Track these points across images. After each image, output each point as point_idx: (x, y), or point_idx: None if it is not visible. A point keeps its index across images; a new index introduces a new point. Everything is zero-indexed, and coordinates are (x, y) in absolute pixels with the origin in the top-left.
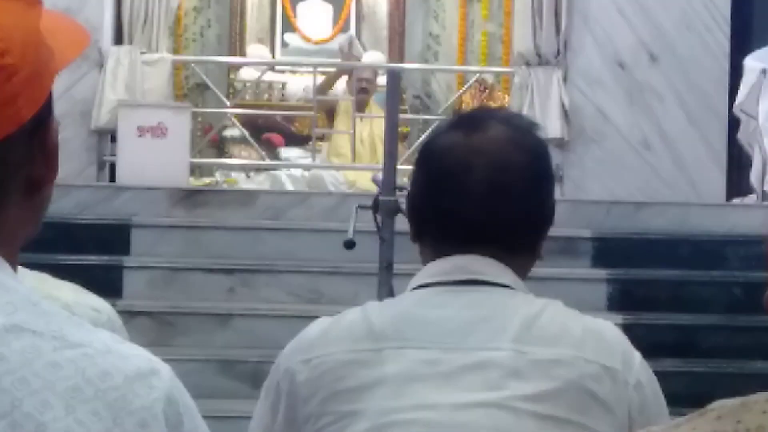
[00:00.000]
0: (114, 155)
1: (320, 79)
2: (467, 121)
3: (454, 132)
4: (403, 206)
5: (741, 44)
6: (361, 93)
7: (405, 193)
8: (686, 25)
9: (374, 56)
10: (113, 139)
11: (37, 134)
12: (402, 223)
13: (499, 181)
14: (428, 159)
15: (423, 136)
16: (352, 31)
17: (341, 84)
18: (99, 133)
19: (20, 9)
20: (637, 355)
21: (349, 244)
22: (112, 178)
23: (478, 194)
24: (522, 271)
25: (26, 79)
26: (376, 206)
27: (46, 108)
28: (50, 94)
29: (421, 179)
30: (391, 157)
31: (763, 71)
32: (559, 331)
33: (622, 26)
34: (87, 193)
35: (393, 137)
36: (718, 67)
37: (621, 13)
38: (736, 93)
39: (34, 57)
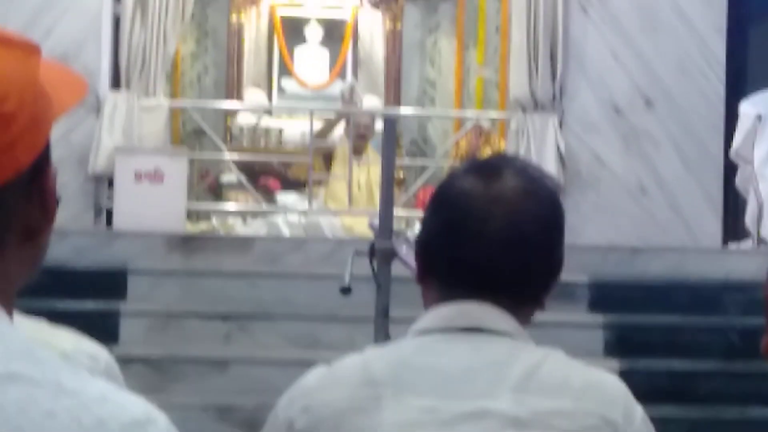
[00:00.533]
0: (111, 201)
1: (317, 124)
2: (485, 168)
3: (472, 178)
4: (401, 251)
5: (736, 89)
6: (359, 139)
7: (401, 239)
8: (681, 70)
9: (371, 101)
10: (110, 184)
11: (35, 182)
12: (399, 268)
13: (514, 232)
14: (445, 203)
15: (420, 181)
16: (349, 76)
17: (338, 129)
18: (96, 179)
19: (19, 57)
20: (638, 409)
21: (346, 291)
22: (109, 224)
23: (493, 243)
24: (525, 320)
25: (24, 127)
26: (372, 252)
27: (44, 156)
28: (48, 142)
29: (436, 222)
30: (387, 203)
31: (759, 116)
32: (560, 381)
33: (618, 71)
34: (83, 239)
35: (389, 183)
36: (714, 112)
37: (616, 58)
38: (732, 138)
39: (32, 105)
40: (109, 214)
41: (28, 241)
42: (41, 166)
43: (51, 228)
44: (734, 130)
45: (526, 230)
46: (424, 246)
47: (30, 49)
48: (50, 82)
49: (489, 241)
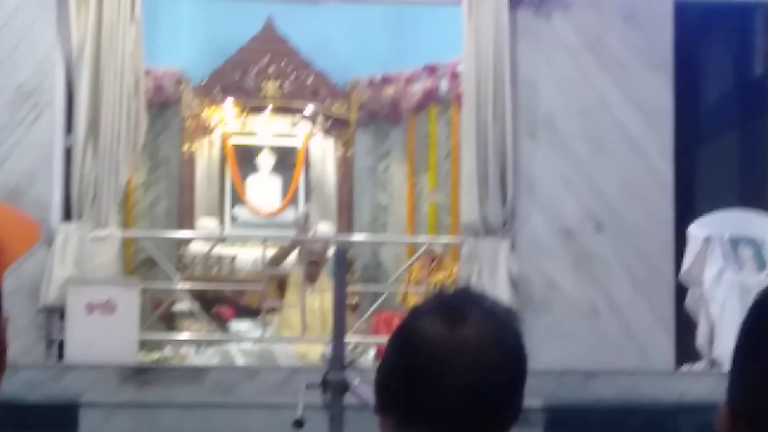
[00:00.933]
0: (62, 333)
1: (270, 251)
2: (450, 310)
3: (437, 321)
4: (354, 383)
5: (685, 211)
6: (312, 266)
7: (355, 370)
8: (630, 192)
9: (323, 227)
10: (62, 316)
11: None
12: (351, 399)
13: (476, 384)
14: (407, 345)
15: (374, 307)
16: (302, 202)
17: (292, 256)
18: (47, 311)
19: None
20: None
21: (299, 424)
22: (61, 356)
23: (453, 393)
24: None
25: None
26: (325, 384)
27: None
28: (0, 290)
29: (397, 364)
30: (339, 334)
31: (707, 239)
32: None
33: (568, 195)
34: (34, 373)
35: (341, 314)
36: (663, 234)
37: (566, 183)
38: (682, 260)
39: None
40: (61, 346)
41: None
42: None
43: (3, 374)
44: (684, 252)
45: (488, 382)
46: (384, 383)
47: None
48: (3, 228)
49: (449, 390)
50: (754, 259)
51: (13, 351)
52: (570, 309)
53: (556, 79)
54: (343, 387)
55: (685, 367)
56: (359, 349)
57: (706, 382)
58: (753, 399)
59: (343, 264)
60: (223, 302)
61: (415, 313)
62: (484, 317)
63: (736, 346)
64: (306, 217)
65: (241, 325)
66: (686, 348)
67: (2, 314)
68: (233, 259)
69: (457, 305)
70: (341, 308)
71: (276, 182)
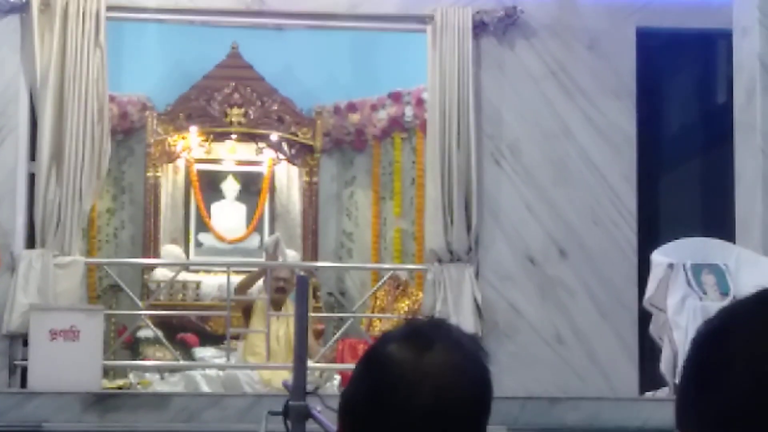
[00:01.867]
0: (25, 359)
1: (234, 278)
2: (418, 338)
3: (405, 346)
4: (316, 410)
5: (648, 239)
6: (278, 292)
7: (317, 397)
8: (594, 220)
9: (288, 254)
10: (25, 343)
11: None
12: (312, 425)
13: (440, 409)
14: (373, 369)
15: (339, 333)
16: (267, 229)
17: (258, 283)
18: (10, 337)
19: None
20: None
21: None
22: (24, 383)
23: (417, 417)
24: None
25: None
26: (286, 412)
27: None
28: None
29: (363, 387)
30: (300, 361)
31: (670, 265)
32: None
33: (532, 222)
34: None
35: (303, 342)
36: (627, 262)
37: (530, 210)
38: (645, 286)
39: None
40: (24, 373)
41: None
42: None
43: None
44: (647, 279)
45: (453, 408)
46: (348, 407)
47: None
48: None
49: (413, 415)
50: (717, 286)
51: None
52: (534, 335)
53: (520, 106)
54: (304, 414)
55: (649, 394)
56: (324, 375)
57: (670, 409)
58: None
59: (305, 292)
60: (188, 329)
61: (383, 339)
62: (451, 346)
63: (687, 374)
64: (276, 244)
65: (205, 352)
66: (650, 375)
67: None
68: (198, 285)
69: (425, 333)
70: (302, 335)
71: (241, 209)
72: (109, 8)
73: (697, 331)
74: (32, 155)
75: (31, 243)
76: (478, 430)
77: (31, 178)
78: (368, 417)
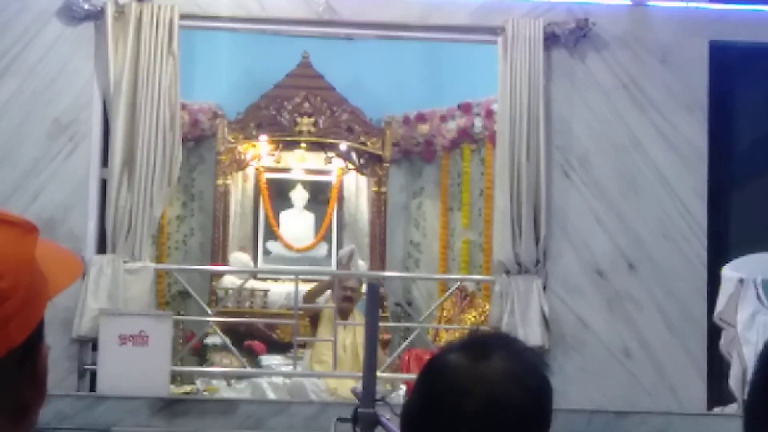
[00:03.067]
0: (95, 364)
1: (302, 286)
2: (477, 346)
3: (462, 354)
4: (384, 418)
5: (718, 253)
6: (346, 301)
7: (385, 405)
8: (663, 234)
9: (361, 265)
10: (94, 347)
11: (28, 359)
12: None
13: (493, 414)
14: (429, 376)
15: (405, 343)
16: (335, 238)
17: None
18: (80, 342)
19: (16, 236)
20: None
21: None
22: (93, 387)
23: (469, 422)
24: None
25: (19, 305)
26: (355, 419)
27: (37, 333)
28: (42, 320)
29: (419, 394)
30: (370, 368)
31: (741, 281)
32: None
33: (601, 235)
34: (67, 403)
35: (372, 349)
36: (697, 276)
37: (599, 222)
38: (715, 301)
39: (27, 283)
40: (93, 377)
41: (19, 418)
42: (34, 344)
43: (42, 404)
44: (717, 294)
45: (505, 416)
46: (408, 413)
47: (27, 228)
48: (46, 262)
49: (465, 420)
50: None
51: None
52: (602, 349)
53: (591, 118)
54: (373, 422)
55: (717, 409)
56: (390, 385)
57: (738, 424)
58: None
59: (376, 299)
60: (255, 336)
61: (445, 348)
62: (509, 355)
63: (756, 387)
64: (351, 255)
65: (272, 360)
66: (718, 390)
67: (44, 342)
68: (266, 293)
69: (485, 343)
70: (373, 343)
71: (309, 218)
72: (183, 16)
73: (766, 343)
74: (104, 162)
75: (102, 248)
76: None
77: (103, 184)
78: (423, 422)
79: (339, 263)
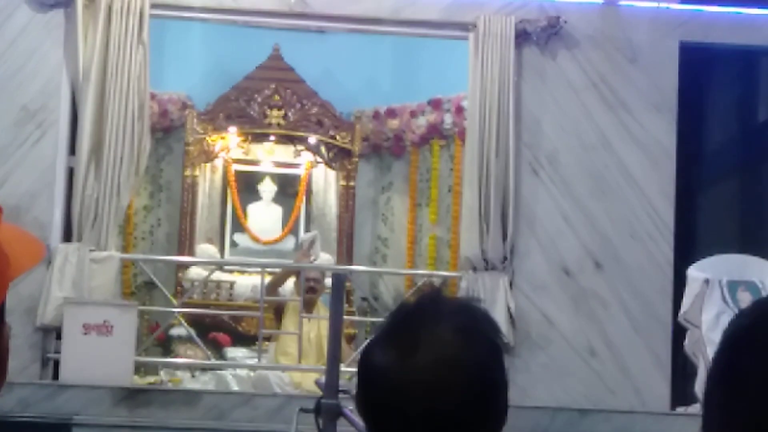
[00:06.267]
0: (58, 352)
1: (269, 279)
2: (402, 337)
3: (389, 351)
4: (347, 410)
5: (685, 254)
6: (309, 293)
7: (349, 396)
8: (630, 233)
9: (323, 257)
10: (58, 336)
11: None
12: (344, 425)
13: (436, 409)
14: (365, 381)
15: (369, 338)
16: (302, 231)
17: (289, 284)
18: (44, 330)
19: None
20: None
21: None
22: (56, 376)
23: (416, 420)
24: None
25: None
26: (318, 409)
27: None
28: (4, 301)
29: (362, 397)
30: (334, 359)
31: (706, 281)
32: None
33: (568, 233)
34: (29, 391)
35: (336, 341)
36: (662, 276)
37: (566, 221)
38: (680, 302)
39: None
40: (56, 366)
41: None
42: None
43: (3, 383)
44: (682, 294)
45: (449, 405)
46: (360, 411)
47: None
48: (9, 243)
49: (411, 419)
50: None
51: (9, 368)
52: (567, 347)
53: (560, 117)
54: (336, 413)
55: (681, 409)
56: (353, 380)
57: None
58: None
59: (341, 290)
60: (220, 328)
61: (369, 344)
62: (437, 341)
63: (713, 381)
64: (312, 241)
65: (237, 352)
66: (682, 390)
67: (5, 324)
68: (232, 285)
69: (410, 330)
70: (337, 333)
71: (277, 211)
72: (153, 6)
73: (729, 325)
74: (72, 150)
75: (67, 237)
76: (488, 411)
77: (70, 173)
78: (373, 424)
79: (299, 247)
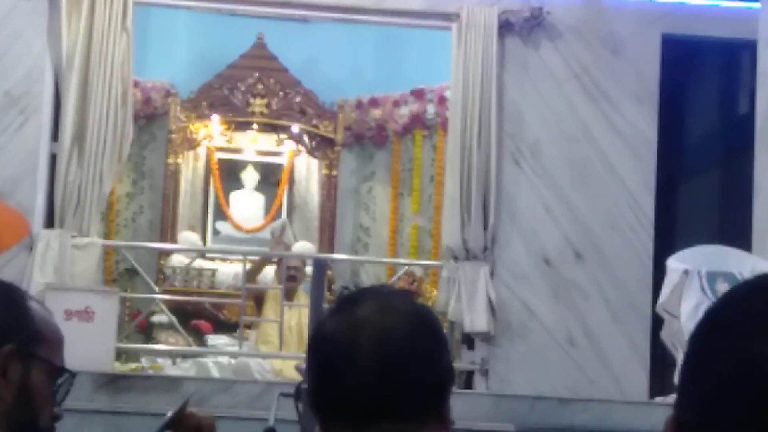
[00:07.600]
0: None
1: (250, 266)
2: (346, 303)
3: (336, 316)
4: None
5: (665, 245)
6: (290, 281)
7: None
8: (611, 224)
9: (304, 246)
10: None
11: None
12: None
13: (385, 353)
14: (316, 347)
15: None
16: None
17: (270, 272)
18: None
19: None
20: None
21: None
22: None
23: (367, 369)
24: None
25: None
26: (298, 395)
27: None
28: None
29: (313, 368)
30: None
31: (686, 272)
32: None
33: (549, 223)
34: None
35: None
36: (642, 267)
37: (548, 211)
38: (660, 292)
39: None
40: None
41: None
42: None
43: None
44: (662, 285)
45: (396, 348)
46: (309, 394)
47: None
48: None
49: (362, 369)
50: None
51: None
52: (546, 336)
53: (542, 107)
54: None
55: (659, 399)
56: None
57: None
58: (700, 411)
59: (322, 276)
60: (202, 316)
61: (320, 322)
62: (379, 297)
63: (685, 359)
64: (283, 228)
65: (218, 339)
66: (661, 380)
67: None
68: (213, 273)
69: (352, 297)
70: (318, 318)
71: (259, 199)
72: None
73: (704, 313)
74: (55, 136)
75: (50, 223)
76: (433, 358)
77: (53, 159)
78: (325, 393)
79: (271, 235)
